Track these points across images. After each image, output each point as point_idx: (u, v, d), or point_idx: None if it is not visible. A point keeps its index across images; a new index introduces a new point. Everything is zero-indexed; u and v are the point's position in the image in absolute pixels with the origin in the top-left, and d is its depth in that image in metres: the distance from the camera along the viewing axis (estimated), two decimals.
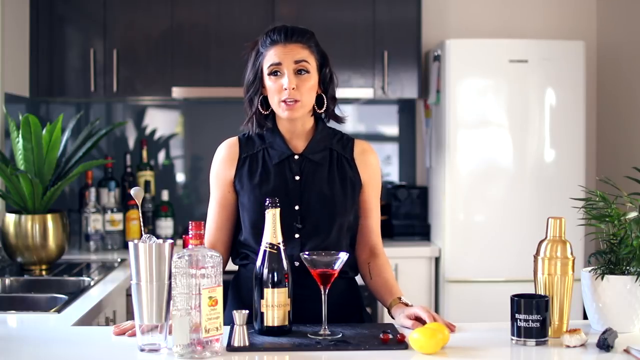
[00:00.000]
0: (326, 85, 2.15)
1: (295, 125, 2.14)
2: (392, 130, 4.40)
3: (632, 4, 4.13)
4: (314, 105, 2.13)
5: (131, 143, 4.30)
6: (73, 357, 1.83)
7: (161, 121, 4.34)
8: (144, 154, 4.13)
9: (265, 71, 2.10)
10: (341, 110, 2.21)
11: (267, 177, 2.12)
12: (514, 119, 3.83)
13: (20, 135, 3.11)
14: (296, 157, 2.14)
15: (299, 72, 2.08)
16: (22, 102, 3.86)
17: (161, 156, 4.33)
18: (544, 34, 4.32)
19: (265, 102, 2.14)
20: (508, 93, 3.83)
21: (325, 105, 2.14)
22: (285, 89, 2.06)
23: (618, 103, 4.25)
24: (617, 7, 4.28)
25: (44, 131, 3.15)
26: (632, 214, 1.94)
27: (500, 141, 3.83)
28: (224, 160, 2.17)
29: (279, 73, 2.08)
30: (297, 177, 2.12)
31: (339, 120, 2.20)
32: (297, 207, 2.10)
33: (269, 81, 2.10)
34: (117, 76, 3.92)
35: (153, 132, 4.32)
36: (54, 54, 3.94)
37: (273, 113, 2.15)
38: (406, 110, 4.40)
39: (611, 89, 4.31)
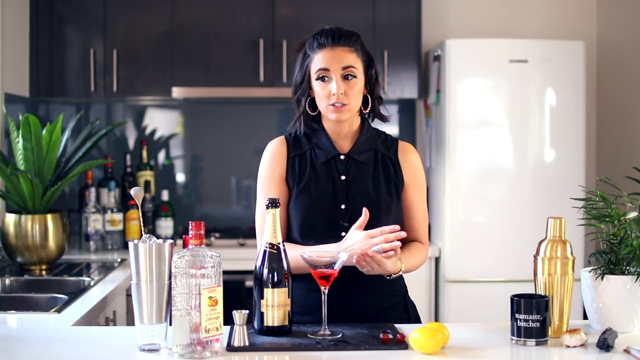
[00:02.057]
0: (372, 85, 2.19)
1: (342, 126, 2.17)
2: (392, 130, 4.39)
3: (632, 4, 4.12)
4: (360, 106, 2.17)
5: (131, 143, 4.30)
6: (73, 357, 1.83)
7: (161, 121, 4.34)
8: (144, 154, 4.13)
9: (313, 75, 2.13)
10: (387, 109, 2.24)
11: (316, 177, 2.15)
12: (514, 119, 3.83)
13: (20, 135, 3.11)
14: (342, 157, 2.18)
15: (346, 77, 2.11)
16: (22, 102, 3.86)
17: (161, 156, 4.33)
18: (544, 34, 4.32)
19: (312, 103, 2.18)
20: (508, 93, 3.83)
21: (370, 106, 2.18)
22: (334, 94, 2.09)
23: (618, 103, 4.25)
24: (617, 7, 4.28)
25: (44, 131, 3.15)
26: (632, 214, 1.94)
27: (500, 141, 3.83)
28: (275, 159, 2.19)
29: (326, 78, 2.11)
30: (343, 177, 2.16)
31: (384, 119, 2.23)
32: (343, 206, 2.13)
33: (316, 86, 2.13)
34: (117, 76, 3.92)
35: (153, 132, 4.32)
36: (54, 54, 3.94)
37: (319, 113, 2.18)
38: (406, 110, 4.40)
39: (611, 89, 4.31)
